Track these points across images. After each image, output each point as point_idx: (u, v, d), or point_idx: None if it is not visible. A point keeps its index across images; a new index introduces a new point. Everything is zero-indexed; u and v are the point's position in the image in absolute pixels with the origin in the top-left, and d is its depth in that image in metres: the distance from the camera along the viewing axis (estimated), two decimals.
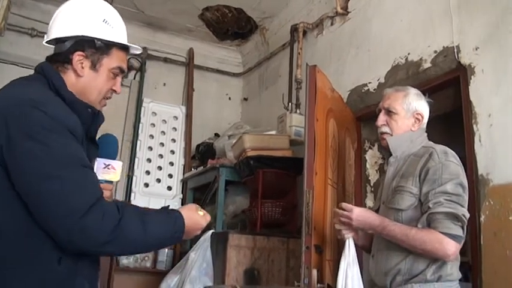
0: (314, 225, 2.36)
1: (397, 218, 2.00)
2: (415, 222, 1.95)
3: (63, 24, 1.56)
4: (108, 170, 1.62)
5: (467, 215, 1.89)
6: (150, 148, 4.68)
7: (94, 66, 1.55)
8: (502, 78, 2.40)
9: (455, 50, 2.67)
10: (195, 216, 1.53)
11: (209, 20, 4.89)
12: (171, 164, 4.72)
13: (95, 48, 1.55)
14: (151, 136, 4.72)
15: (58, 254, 1.35)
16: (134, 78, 4.89)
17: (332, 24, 3.86)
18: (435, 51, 2.81)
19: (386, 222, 1.96)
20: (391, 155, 2.17)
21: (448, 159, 1.98)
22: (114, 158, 1.68)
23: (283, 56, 4.50)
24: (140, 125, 4.69)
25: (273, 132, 3.80)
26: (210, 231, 3.45)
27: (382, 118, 2.19)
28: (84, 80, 1.54)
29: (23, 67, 4.36)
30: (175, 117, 4.90)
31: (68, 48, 1.52)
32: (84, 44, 1.53)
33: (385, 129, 2.17)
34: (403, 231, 1.91)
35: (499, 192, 2.32)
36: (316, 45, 4.01)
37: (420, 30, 2.96)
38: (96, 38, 1.55)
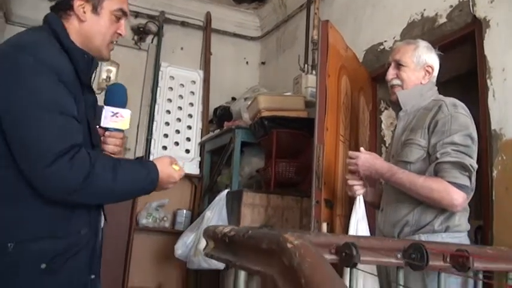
0: (324, 180, 2.39)
1: (406, 170, 2.01)
2: (423, 175, 1.96)
3: None
4: (116, 118, 1.65)
5: (475, 166, 1.89)
6: (168, 112, 4.73)
7: (95, 10, 1.55)
8: None
9: (471, 4, 2.62)
10: (169, 170, 1.55)
11: None
12: (189, 127, 4.77)
13: None
14: (169, 100, 4.77)
15: None
16: (152, 42, 4.91)
17: None
18: (451, 6, 2.76)
19: (395, 169, 1.98)
20: (400, 108, 2.17)
21: (457, 111, 1.97)
22: (122, 107, 1.69)
23: (300, 18, 4.45)
24: (158, 89, 4.73)
25: (289, 94, 3.80)
26: (226, 191, 3.52)
27: (391, 72, 2.18)
28: (87, 24, 1.55)
29: None
30: (193, 82, 4.93)
31: None
32: None
33: (396, 81, 2.16)
34: (411, 179, 1.91)
35: (511, 146, 2.30)
36: (333, 5, 3.96)
37: None
38: None
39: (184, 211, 4.40)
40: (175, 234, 4.06)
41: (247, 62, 5.40)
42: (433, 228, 1.92)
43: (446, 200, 1.85)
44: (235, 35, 5.36)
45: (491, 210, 2.33)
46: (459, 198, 1.84)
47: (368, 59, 3.38)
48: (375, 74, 3.33)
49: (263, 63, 5.32)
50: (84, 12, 1.54)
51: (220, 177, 4.18)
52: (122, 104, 1.70)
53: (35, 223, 1.38)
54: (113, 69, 4.47)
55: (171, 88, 4.81)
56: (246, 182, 3.87)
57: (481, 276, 1.81)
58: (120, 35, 1.64)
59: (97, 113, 1.64)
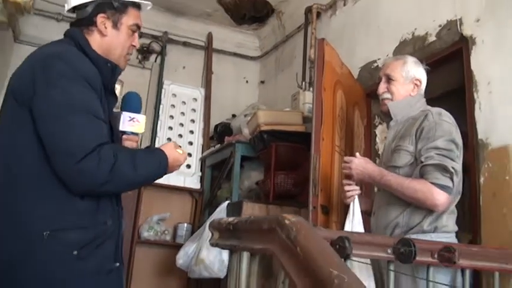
0: (321, 188, 2.52)
1: None
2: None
3: None
4: (133, 123, 1.83)
5: (458, 169, 2.03)
6: (170, 128, 4.88)
7: (116, 25, 1.76)
8: (500, 48, 2.52)
9: (458, 23, 2.79)
10: (175, 154, 1.73)
11: (227, 5, 5.05)
12: (190, 143, 4.91)
13: (114, 8, 1.75)
14: (172, 117, 4.92)
15: None
16: (155, 61, 5.10)
17: (345, 4, 3.99)
18: (439, 25, 2.93)
19: (385, 172, 2.13)
20: (391, 119, 2.32)
21: (441, 118, 2.12)
22: (138, 112, 1.87)
23: (298, 38, 4.64)
24: (161, 106, 4.89)
25: (287, 109, 3.96)
26: (226, 202, 3.65)
27: (382, 86, 2.34)
28: (109, 38, 1.75)
29: None
30: (195, 99, 5.09)
31: (90, 12, 1.73)
32: (104, 6, 1.74)
33: (387, 95, 2.32)
34: (398, 181, 2.06)
35: (497, 155, 2.43)
36: (330, 25, 4.15)
37: (426, 6, 3.08)
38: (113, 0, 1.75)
39: (185, 225, 4.51)
40: (176, 248, 4.15)
41: (247, 81, 5.58)
42: (422, 229, 2.05)
43: (430, 199, 1.98)
44: (235, 54, 5.56)
45: (479, 215, 2.47)
46: (441, 198, 1.98)
47: (363, 76, 3.55)
48: (370, 90, 3.48)
49: (262, 82, 5.51)
50: (106, 28, 1.74)
51: (220, 191, 4.31)
52: (138, 110, 1.89)
53: (67, 215, 1.54)
54: (118, 86, 4.61)
55: (173, 105, 4.97)
56: (245, 195, 4.00)
57: (468, 273, 1.94)
58: (134, 46, 1.84)
59: (114, 117, 1.81)
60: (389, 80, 2.32)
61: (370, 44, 3.57)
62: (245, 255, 1.26)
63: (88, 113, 1.55)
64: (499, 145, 2.43)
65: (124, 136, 1.84)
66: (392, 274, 1.77)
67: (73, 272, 1.51)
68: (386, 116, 2.37)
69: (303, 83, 4.02)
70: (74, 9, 1.78)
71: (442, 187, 1.96)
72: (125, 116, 1.82)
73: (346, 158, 2.23)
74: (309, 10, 4.23)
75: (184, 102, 5.04)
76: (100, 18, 1.73)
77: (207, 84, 5.21)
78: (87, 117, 1.55)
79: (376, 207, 2.29)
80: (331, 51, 2.83)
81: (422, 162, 2.03)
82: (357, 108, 3.24)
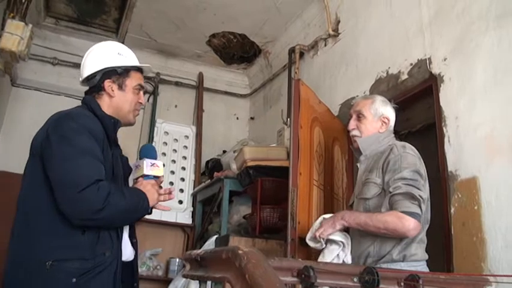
0: (298, 220, 2.63)
1: (365, 206, 2.27)
2: (381, 209, 2.22)
3: (91, 65, 2.11)
4: (154, 167, 2.10)
5: (425, 196, 2.14)
6: (163, 165, 5.00)
7: (121, 87, 2.09)
8: (466, 84, 2.67)
9: (428, 62, 2.96)
10: (146, 187, 2.01)
11: (216, 46, 5.28)
12: (182, 179, 5.04)
13: (117, 74, 2.09)
14: (164, 154, 5.07)
15: (82, 228, 1.80)
16: (148, 100, 5.29)
17: (325, 45, 4.19)
18: (411, 64, 3.10)
19: (353, 212, 2.25)
20: (361, 154, 2.45)
21: (405, 151, 2.25)
22: (155, 159, 2.15)
23: (283, 77, 4.83)
24: (153, 143, 5.04)
25: (273, 145, 4.10)
26: (215, 236, 3.75)
27: (352, 123, 2.48)
28: (116, 99, 2.08)
29: (46, 93, 4.83)
30: (186, 136, 5.25)
31: (98, 80, 2.08)
32: (110, 73, 2.08)
33: (356, 132, 2.46)
34: (367, 216, 2.16)
35: (465, 186, 2.55)
36: (312, 64, 4.34)
37: (398, 46, 3.26)
38: (116, 67, 2.09)
39: (177, 260, 4.59)
40: (168, 283, 4.23)
41: (237, 118, 5.76)
42: (392, 258, 2.14)
43: (400, 227, 2.08)
44: (226, 93, 5.77)
45: (451, 243, 2.57)
46: (411, 224, 2.08)
47: (343, 112, 3.70)
48: None
49: (252, 118, 5.69)
50: (113, 90, 2.07)
51: (211, 226, 4.41)
52: (155, 157, 2.18)
53: (69, 248, 1.78)
54: None
55: (165, 143, 5.12)
56: (234, 229, 4.09)
57: None
58: (141, 103, 2.17)
59: (134, 165, 2.16)
60: (359, 117, 2.46)
61: (349, 81, 3.75)
62: (208, 284, 1.37)
63: (91, 156, 1.84)
64: (468, 177, 2.56)
65: (151, 181, 2.07)
66: None
67: None
68: (357, 152, 2.50)
69: (288, 119, 4.17)
70: (86, 79, 2.12)
71: (411, 214, 2.07)
72: (147, 162, 2.08)
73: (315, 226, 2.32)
74: (292, 50, 4.43)
75: (176, 140, 5.20)
76: (107, 83, 2.07)
77: (198, 122, 5.38)
78: (90, 159, 1.83)
79: (351, 239, 2.39)
80: (307, 90, 2.99)
81: (390, 192, 2.14)
82: (337, 144, 3.37)
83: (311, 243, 2.32)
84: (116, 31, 5.12)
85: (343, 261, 2.30)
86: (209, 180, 4.50)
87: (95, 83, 2.08)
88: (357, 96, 3.58)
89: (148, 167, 2.08)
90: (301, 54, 4.42)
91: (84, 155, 1.82)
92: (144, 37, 5.12)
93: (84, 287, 1.75)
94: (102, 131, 1.95)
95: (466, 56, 2.71)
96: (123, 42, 5.16)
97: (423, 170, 2.22)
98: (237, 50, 5.30)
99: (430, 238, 2.26)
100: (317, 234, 2.27)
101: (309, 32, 4.49)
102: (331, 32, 4.03)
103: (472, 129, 2.59)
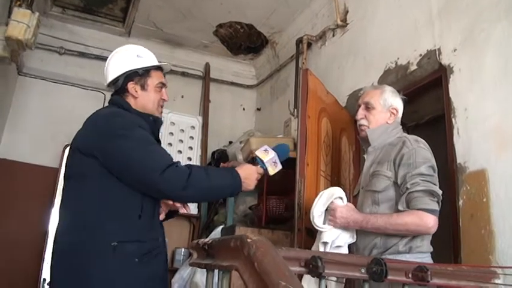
0: (305, 211, 2.62)
1: (374, 198, 2.24)
2: (391, 202, 2.20)
3: (113, 69, 2.21)
4: (274, 164, 2.16)
5: (440, 192, 2.13)
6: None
7: (143, 87, 2.18)
8: (476, 75, 2.64)
9: (437, 53, 2.93)
10: (247, 170, 2.08)
11: (223, 36, 5.25)
12: None
13: (139, 75, 2.18)
14: (170, 144, 5.05)
15: (139, 213, 1.94)
16: None
17: (333, 35, 4.15)
18: (420, 55, 3.07)
19: (368, 217, 2.18)
20: (369, 145, 2.43)
21: (419, 145, 2.23)
22: (281, 159, 2.19)
23: (291, 68, 4.80)
24: (160, 134, 5.02)
25: (280, 136, 4.09)
26: (221, 227, 3.75)
27: (361, 112, 2.46)
28: (140, 99, 2.17)
29: (52, 82, 4.83)
30: (193, 127, 5.24)
31: (122, 83, 2.17)
32: (131, 75, 2.17)
33: (364, 122, 2.44)
34: (385, 220, 2.12)
35: (474, 178, 2.53)
36: (320, 55, 4.31)
37: (408, 37, 3.22)
38: (137, 69, 2.18)
39: (183, 250, 4.60)
40: (173, 272, 4.23)
41: (243, 108, 5.74)
42: (398, 249, 2.13)
43: (422, 227, 2.07)
44: (232, 83, 5.74)
45: (459, 235, 2.55)
46: (431, 222, 2.07)
47: (350, 103, 3.67)
48: None
49: (258, 109, 5.66)
50: (136, 91, 2.17)
51: (217, 216, 4.41)
52: (283, 159, 2.21)
53: (128, 231, 1.92)
54: None
55: (171, 133, 5.11)
56: (240, 220, 4.10)
57: None
58: (164, 100, 2.26)
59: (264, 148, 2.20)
60: (367, 107, 2.43)
61: (357, 72, 3.72)
62: (216, 273, 1.36)
63: (152, 143, 1.99)
64: (476, 169, 2.53)
65: (257, 166, 2.14)
66: None
67: (134, 275, 1.88)
68: (365, 142, 2.47)
69: (295, 110, 4.15)
70: (111, 83, 2.23)
71: (431, 211, 2.06)
72: (275, 157, 2.14)
73: (332, 206, 2.25)
74: (300, 41, 4.40)
75: (182, 130, 5.18)
76: (130, 85, 2.16)
77: (205, 113, 5.36)
78: (158, 146, 2.01)
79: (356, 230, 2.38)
80: (315, 80, 2.96)
81: (408, 188, 2.12)
82: (345, 135, 3.35)
83: (316, 221, 2.26)
84: (122, 20, 5.10)
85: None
86: None
87: (119, 86, 2.18)
88: (365, 87, 3.55)
89: (271, 161, 2.13)
90: (309, 45, 4.39)
91: (150, 143, 1.97)
92: (151, 27, 5.10)
93: (145, 267, 1.90)
94: (148, 128, 2.07)
95: (476, 46, 2.68)
96: (129, 32, 5.18)
97: (435, 163, 2.20)
98: (244, 40, 5.28)
99: (438, 230, 2.22)
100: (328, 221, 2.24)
101: (316, 23, 4.46)
102: (340, 23, 3.99)
103: (481, 120, 2.56)
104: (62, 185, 2.14)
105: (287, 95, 4.79)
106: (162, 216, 2.16)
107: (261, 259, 1.08)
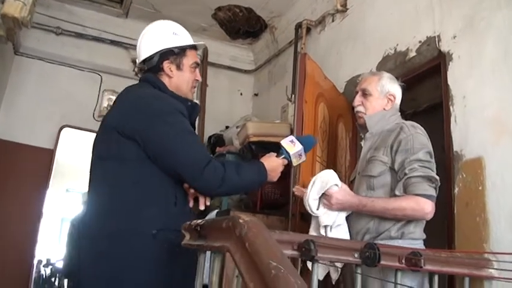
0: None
1: (369, 183, 2.24)
2: (386, 187, 2.20)
3: (147, 46, 2.12)
4: (298, 157, 2.15)
5: (438, 178, 2.13)
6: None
7: (179, 67, 2.12)
8: (475, 63, 2.61)
9: (437, 39, 2.90)
10: (273, 164, 2.09)
11: (222, 20, 5.20)
12: None
13: (175, 54, 2.11)
14: None
15: (174, 200, 1.95)
16: None
17: (333, 21, 4.11)
18: (420, 41, 3.04)
19: (364, 200, 2.17)
20: (367, 131, 2.42)
21: (416, 131, 2.22)
22: (306, 152, 2.18)
23: (290, 53, 4.75)
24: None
25: (277, 121, 4.07)
26: (215, 211, 3.73)
27: (358, 99, 2.44)
28: (175, 79, 2.12)
29: (49, 62, 4.78)
30: None
31: (157, 61, 2.10)
32: (167, 54, 2.10)
33: (361, 108, 2.42)
34: (381, 204, 2.12)
35: (470, 166, 2.52)
36: (319, 40, 4.27)
37: (407, 23, 3.19)
38: (173, 47, 2.11)
39: None
40: None
41: (241, 94, 5.71)
42: (390, 235, 2.13)
43: (419, 212, 2.08)
44: (230, 68, 5.70)
45: (453, 223, 2.55)
46: (429, 207, 2.07)
47: (349, 89, 3.65)
48: None
49: (256, 94, 5.63)
50: (171, 71, 2.11)
51: (212, 201, 4.37)
52: (307, 151, 2.20)
53: (165, 218, 1.92)
54: (114, 98, 4.75)
55: None
56: (235, 204, 4.08)
57: (436, 278, 2.02)
58: (197, 80, 2.22)
59: (290, 138, 2.19)
60: (364, 94, 2.42)
61: (356, 58, 3.69)
62: (208, 254, 1.35)
63: (193, 134, 1.99)
64: (473, 157, 2.52)
65: (282, 158, 2.14)
66: (359, 277, 1.85)
67: (174, 264, 1.90)
68: (362, 128, 2.46)
69: (292, 96, 4.13)
70: (144, 61, 2.14)
71: (428, 197, 2.06)
72: (301, 150, 2.13)
73: (327, 192, 2.21)
74: (299, 26, 4.36)
75: None
76: (166, 64, 2.10)
77: (202, 97, 5.31)
78: (196, 138, 2.00)
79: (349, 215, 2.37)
80: (313, 65, 2.94)
81: (406, 173, 2.11)
82: (341, 121, 3.34)
83: (311, 203, 2.24)
84: (120, 1, 5.03)
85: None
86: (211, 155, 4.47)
87: (153, 64, 2.10)
88: (363, 73, 3.53)
89: (297, 153, 2.12)
90: (308, 30, 4.35)
91: (189, 134, 1.95)
92: (149, 8, 5.03)
93: (183, 255, 1.81)
94: (187, 114, 2.01)
95: (476, 34, 2.65)
96: (127, 13, 5.12)
97: (432, 149, 2.19)
98: (242, 25, 5.22)
99: (433, 217, 2.23)
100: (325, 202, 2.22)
101: (316, 7, 4.41)
102: (339, 8, 3.95)
103: (479, 109, 2.54)
104: (93, 163, 2.06)
105: (285, 81, 4.76)
106: (191, 204, 2.12)
107: (252, 240, 1.07)
